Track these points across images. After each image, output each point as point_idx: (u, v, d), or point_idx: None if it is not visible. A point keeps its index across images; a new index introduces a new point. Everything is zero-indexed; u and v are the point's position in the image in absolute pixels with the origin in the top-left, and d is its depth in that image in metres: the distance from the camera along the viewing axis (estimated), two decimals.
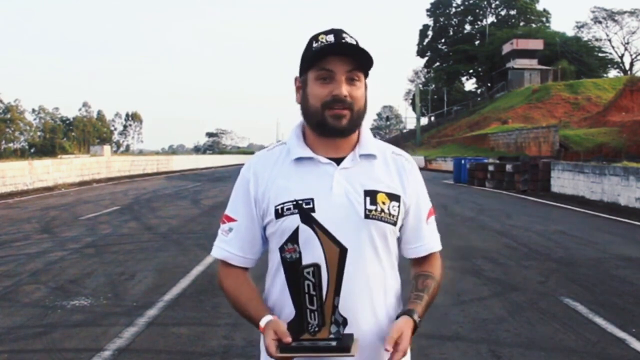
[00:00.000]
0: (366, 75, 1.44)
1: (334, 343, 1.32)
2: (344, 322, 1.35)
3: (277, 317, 1.42)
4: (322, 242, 1.34)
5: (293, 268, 1.33)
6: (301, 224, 1.36)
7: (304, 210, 1.38)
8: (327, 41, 1.39)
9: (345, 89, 1.38)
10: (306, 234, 1.34)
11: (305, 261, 1.32)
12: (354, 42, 1.40)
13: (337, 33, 1.40)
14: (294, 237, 1.34)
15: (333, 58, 1.38)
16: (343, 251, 1.34)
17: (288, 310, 1.40)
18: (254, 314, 1.41)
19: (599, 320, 4.68)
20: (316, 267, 1.31)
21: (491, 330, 4.48)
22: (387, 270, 1.44)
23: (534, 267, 6.79)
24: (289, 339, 1.31)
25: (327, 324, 1.33)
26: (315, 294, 1.31)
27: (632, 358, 3.95)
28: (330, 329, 1.33)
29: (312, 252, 1.33)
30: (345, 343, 1.31)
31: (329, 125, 1.40)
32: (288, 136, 1.51)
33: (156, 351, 4.04)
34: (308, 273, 1.31)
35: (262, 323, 1.37)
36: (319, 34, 1.41)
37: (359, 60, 1.40)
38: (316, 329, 1.33)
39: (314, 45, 1.40)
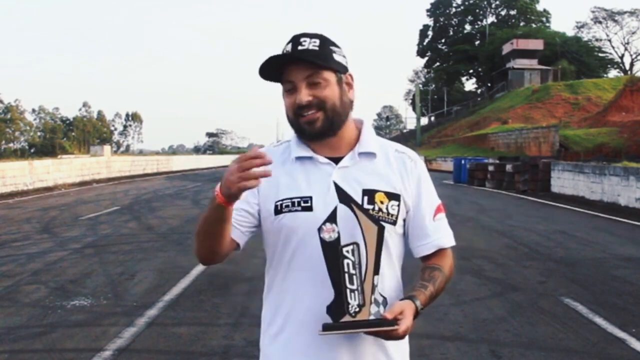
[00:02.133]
0: (337, 71, 1.42)
1: (376, 321, 1.31)
2: (384, 302, 1.35)
3: (277, 310, 1.43)
4: (360, 220, 1.34)
5: (332, 248, 1.32)
6: (339, 203, 1.35)
7: (341, 189, 1.37)
8: (286, 51, 1.40)
9: (305, 96, 1.38)
10: (344, 213, 1.34)
11: (344, 240, 1.32)
12: (315, 43, 1.39)
13: (295, 40, 1.41)
14: (332, 217, 1.33)
15: (290, 67, 1.39)
16: (381, 229, 1.34)
17: (289, 303, 1.41)
18: (210, 205, 1.33)
19: (599, 320, 4.68)
20: (356, 245, 1.32)
21: (491, 330, 4.48)
22: (385, 270, 1.42)
23: (534, 267, 6.78)
24: (269, 158, 1.25)
25: (367, 304, 1.32)
26: (355, 273, 1.31)
27: (632, 358, 3.95)
28: (370, 309, 1.32)
29: (350, 231, 1.33)
30: (389, 321, 1.30)
31: (305, 131, 1.42)
32: (292, 135, 1.52)
33: (156, 351, 4.04)
34: (347, 252, 1.31)
35: (217, 187, 1.30)
36: (284, 46, 1.43)
37: (317, 63, 1.39)
38: (357, 309, 1.31)
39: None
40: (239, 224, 1.45)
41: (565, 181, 16.93)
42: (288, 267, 1.42)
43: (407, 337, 1.51)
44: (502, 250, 7.87)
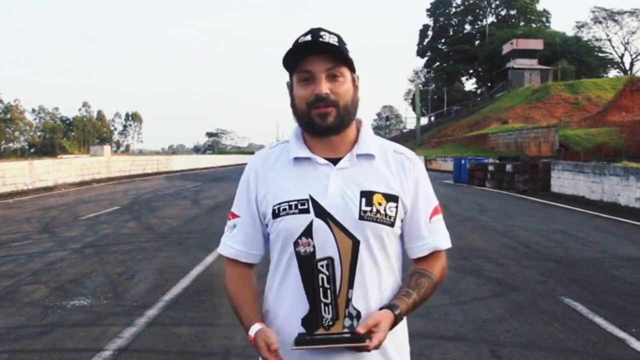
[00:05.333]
0: (352, 70, 1.44)
1: (348, 335, 1.33)
2: (358, 316, 1.36)
3: (275, 316, 1.44)
4: (336, 235, 1.36)
5: (307, 262, 1.34)
6: (315, 218, 1.37)
7: (318, 204, 1.38)
8: (305, 41, 1.39)
9: (325, 87, 1.38)
10: (320, 228, 1.36)
11: (319, 255, 1.33)
12: (334, 39, 1.40)
13: (314, 32, 1.40)
14: (308, 231, 1.36)
15: (311, 58, 1.39)
16: (356, 243, 1.36)
17: (287, 306, 1.42)
18: (245, 319, 1.44)
19: (599, 320, 4.68)
20: (330, 260, 1.33)
21: (491, 330, 4.48)
22: (383, 271, 1.43)
23: (534, 267, 6.78)
24: (276, 346, 1.32)
25: (341, 317, 1.34)
26: (329, 287, 1.33)
27: (632, 358, 3.94)
28: (344, 322, 1.35)
29: (325, 245, 1.35)
30: (359, 334, 1.32)
31: (316, 125, 1.41)
32: (289, 135, 1.52)
33: (156, 351, 4.04)
34: (322, 266, 1.33)
35: (252, 332, 1.39)
36: (299, 37, 1.42)
37: (339, 57, 1.39)
38: (330, 322, 1.34)
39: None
40: (254, 249, 1.51)
41: (565, 181, 16.93)
42: (286, 270, 1.43)
43: (407, 338, 1.51)
44: (502, 250, 7.87)
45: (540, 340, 4.24)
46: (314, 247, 1.34)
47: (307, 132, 1.46)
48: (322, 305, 1.33)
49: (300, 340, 1.32)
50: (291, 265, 1.40)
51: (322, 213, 1.37)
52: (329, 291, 1.33)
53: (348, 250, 1.35)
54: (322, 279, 1.33)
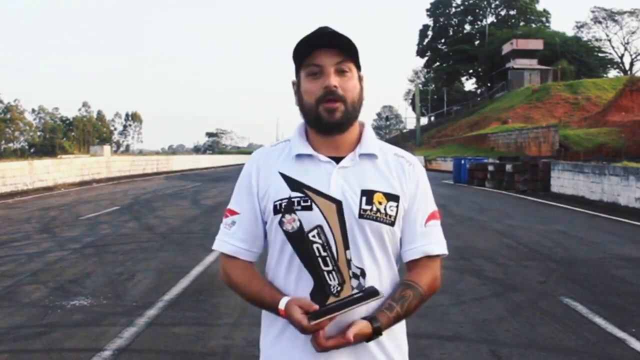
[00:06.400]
0: (358, 67, 1.45)
1: (360, 294, 1.33)
2: (362, 273, 1.36)
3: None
4: (317, 202, 1.35)
5: (297, 237, 1.34)
6: (292, 192, 1.38)
7: (291, 179, 1.39)
8: (314, 34, 1.41)
9: (334, 80, 1.39)
10: (300, 200, 1.37)
11: (307, 227, 1.33)
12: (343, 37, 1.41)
13: (323, 29, 1.42)
14: (289, 207, 1.36)
15: (320, 52, 1.40)
16: (339, 204, 1.35)
17: (292, 291, 1.41)
18: (269, 299, 1.41)
19: (599, 320, 4.68)
20: (319, 227, 1.33)
21: (491, 330, 4.48)
22: (382, 269, 1.44)
23: (534, 267, 6.78)
24: (316, 307, 1.31)
25: (347, 279, 1.34)
26: (326, 254, 1.33)
27: (632, 358, 3.95)
28: (351, 284, 1.34)
29: (310, 215, 1.35)
30: (372, 289, 1.33)
31: (323, 120, 1.41)
32: (292, 133, 1.53)
33: (156, 351, 4.04)
34: (313, 236, 1.33)
35: (282, 305, 1.37)
36: (306, 36, 1.43)
37: (347, 51, 1.41)
38: (338, 288, 1.33)
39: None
40: (254, 247, 1.49)
41: (565, 181, 16.93)
42: (288, 267, 1.42)
43: (405, 337, 1.51)
44: (502, 250, 7.87)
45: (540, 340, 4.25)
46: (299, 221, 1.34)
47: (313, 128, 1.46)
48: (325, 273, 1.33)
49: (315, 314, 1.31)
50: (294, 260, 1.39)
51: (297, 185, 1.38)
52: (327, 258, 1.32)
53: (334, 213, 1.34)
54: (317, 248, 1.32)
